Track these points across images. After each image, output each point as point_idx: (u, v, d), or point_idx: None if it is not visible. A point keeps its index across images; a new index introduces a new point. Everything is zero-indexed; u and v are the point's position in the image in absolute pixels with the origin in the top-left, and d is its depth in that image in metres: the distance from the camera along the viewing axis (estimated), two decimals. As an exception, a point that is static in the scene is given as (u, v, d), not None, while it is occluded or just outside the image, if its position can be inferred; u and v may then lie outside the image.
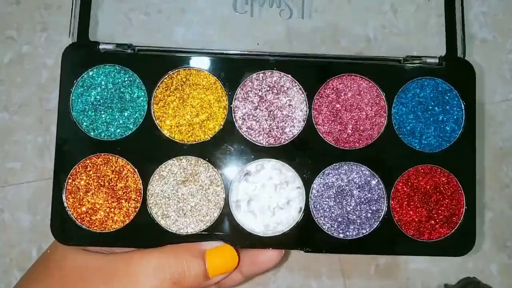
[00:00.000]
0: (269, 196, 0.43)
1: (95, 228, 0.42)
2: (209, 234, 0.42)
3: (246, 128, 0.43)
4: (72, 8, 0.44)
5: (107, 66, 0.43)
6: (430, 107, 0.44)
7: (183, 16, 0.61)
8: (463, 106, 0.43)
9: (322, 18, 0.59)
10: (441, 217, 0.43)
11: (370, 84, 0.44)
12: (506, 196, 0.63)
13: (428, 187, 0.43)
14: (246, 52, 0.44)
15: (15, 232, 0.60)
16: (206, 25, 0.60)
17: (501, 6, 0.64)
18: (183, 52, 0.44)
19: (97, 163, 0.42)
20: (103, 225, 0.42)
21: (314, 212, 0.43)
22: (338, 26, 0.60)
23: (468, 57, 0.44)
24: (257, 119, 0.43)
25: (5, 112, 0.62)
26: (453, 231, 0.43)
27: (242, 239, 0.42)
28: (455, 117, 0.43)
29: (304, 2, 0.47)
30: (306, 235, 0.43)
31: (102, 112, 0.43)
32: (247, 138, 0.43)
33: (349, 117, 0.44)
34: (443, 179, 0.43)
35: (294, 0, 0.47)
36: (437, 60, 0.44)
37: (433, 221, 0.43)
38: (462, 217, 0.43)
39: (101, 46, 0.43)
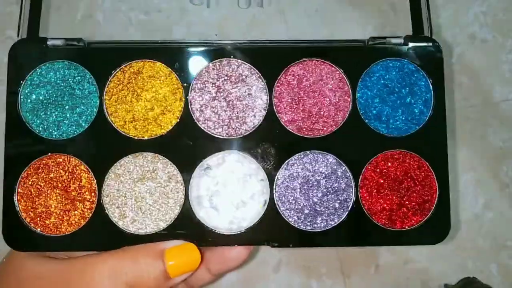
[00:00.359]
0: (231, 191, 0.41)
1: (50, 232, 0.40)
2: (170, 233, 0.40)
3: (204, 120, 0.41)
4: (21, 3, 0.42)
5: (56, 62, 0.41)
6: (397, 89, 0.42)
7: (183, 16, 0.61)
8: (431, 86, 0.41)
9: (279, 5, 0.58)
10: (413, 204, 0.41)
11: (333, 68, 0.42)
12: (506, 196, 0.63)
13: (398, 174, 0.41)
14: (201, 41, 0.42)
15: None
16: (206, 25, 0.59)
17: (501, 6, 0.64)
18: (135, 44, 0.42)
19: (48, 164, 0.40)
20: (58, 229, 0.40)
21: (280, 205, 0.41)
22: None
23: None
24: (215, 110, 0.41)
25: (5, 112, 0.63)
26: (426, 218, 0.41)
27: (205, 237, 0.40)
28: (424, 98, 0.42)
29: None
30: (272, 230, 0.41)
31: (53, 111, 0.41)
32: (206, 130, 0.41)
33: (312, 103, 0.42)
34: (414, 164, 0.41)
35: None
36: (402, 40, 0.42)
37: (405, 209, 0.41)
38: (435, 203, 0.41)
39: (49, 42, 0.42)
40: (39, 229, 0.40)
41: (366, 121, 0.41)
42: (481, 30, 0.63)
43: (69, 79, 0.41)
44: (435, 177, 0.41)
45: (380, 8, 0.61)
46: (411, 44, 0.42)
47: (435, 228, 0.41)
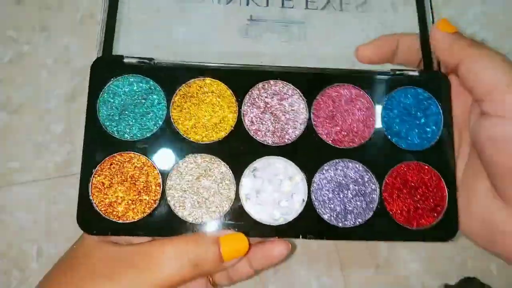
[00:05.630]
0: (274, 190, 0.48)
1: (118, 219, 0.46)
2: (222, 224, 0.47)
3: (254, 130, 0.49)
4: (100, 23, 0.49)
5: (130, 76, 0.49)
6: (413, 112, 0.50)
7: (183, 16, 0.61)
8: (441, 111, 0.50)
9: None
10: (427, 207, 0.48)
11: (361, 92, 0.50)
12: None
13: (414, 181, 0.49)
14: (254, 65, 0.50)
15: (15, 232, 0.61)
16: (206, 25, 0.61)
17: (501, 6, 0.65)
18: (198, 64, 0.50)
19: (120, 161, 0.47)
20: (126, 216, 0.46)
21: (315, 204, 0.48)
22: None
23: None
24: (264, 122, 0.49)
25: (5, 112, 0.63)
26: (437, 220, 0.48)
27: (251, 228, 0.47)
28: (435, 120, 0.50)
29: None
30: (309, 224, 0.48)
31: (126, 117, 0.48)
32: (255, 138, 0.48)
33: (344, 120, 0.50)
34: (427, 174, 0.49)
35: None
36: (417, 73, 0.51)
37: (420, 211, 0.48)
38: (445, 207, 0.48)
39: (125, 60, 0.49)
40: (109, 216, 0.46)
41: (389, 137, 0.49)
42: (481, 30, 0.64)
43: (141, 91, 0.49)
44: (444, 184, 0.49)
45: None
46: (424, 76, 0.51)
47: (446, 227, 0.48)
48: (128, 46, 0.50)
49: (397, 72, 0.51)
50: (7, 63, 0.65)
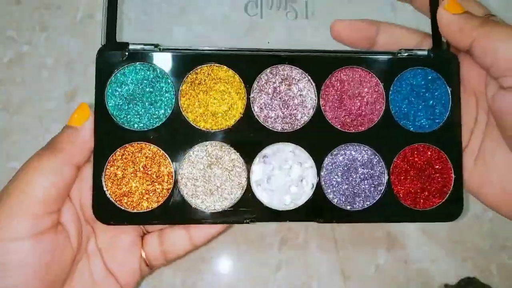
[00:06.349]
0: (284, 175, 0.49)
1: (132, 208, 0.47)
2: (234, 210, 0.48)
3: (263, 116, 0.49)
4: (102, 13, 0.48)
5: (137, 64, 0.48)
6: (421, 93, 0.50)
7: (183, 16, 0.63)
8: (449, 91, 0.50)
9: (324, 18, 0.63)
10: (434, 188, 0.50)
11: (370, 74, 0.50)
12: None
13: (421, 163, 0.50)
14: (261, 49, 0.49)
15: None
16: (206, 25, 0.64)
17: (501, 6, 0.66)
18: (205, 51, 0.49)
19: (132, 151, 0.48)
20: (139, 206, 0.47)
21: (325, 188, 0.49)
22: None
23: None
24: (273, 108, 0.49)
25: (5, 112, 0.63)
26: (443, 200, 0.49)
27: (263, 214, 0.48)
28: (443, 101, 0.50)
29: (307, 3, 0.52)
30: (318, 208, 0.49)
31: (135, 106, 0.48)
32: (264, 125, 0.49)
33: (352, 104, 0.50)
34: (434, 155, 0.50)
35: (298, 2, 0.52)
36: (426, 52, 0.50)
37: (427, 192, 0.49)
38: (451, 188, 0.49)
39: (130, 47, 0.48)
40: (123, 206, 0.47)
41: (397, 119, 0.50)
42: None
43: (148, 79, 0.48)
44: (451, 166, 0.50)
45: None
46: (433, 56, 0.50)
47: (451, 208, 0.50)
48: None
49: (406, 53, 0.50)
50: (7, 63, 0.65)
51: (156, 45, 0.49)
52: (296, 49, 0.50)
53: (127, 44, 0.48)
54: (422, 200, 0.49)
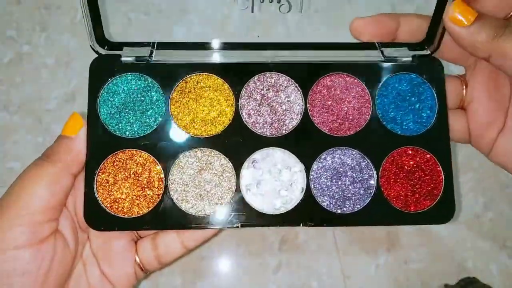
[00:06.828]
0: (274, 180, 0.49)
1: (123, 214, 0.48)
2: (224, 215, 0.48)
3: (252, 122, 0.50)
4: (83, 14, 0.45)
5: (128, 74, 0.50)
6: (408, 98, 0.51)
7: (183, 16, 0.63)
8: (435, 95, 0.51)
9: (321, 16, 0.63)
10: (424, 191, 0.49)
11: (356, 80, 0.51)
12: (506, 196, 0.65)
13: (411, 166, 0.50)
14: (250, 60, 0.51)
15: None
16: (206, 25, 0.62)
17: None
18: (193, 61, 0.51)
19: (123, 158, 0.48)
20: (130, 211, 0.48)
21: (314, 192, 0.49)
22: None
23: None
24: (261, 114, 0.50)
25: (5, 112, 0.64)
26: (434, 202, 0.49)
27: (253, 219, 0.48)
28: (429, 105, 0.51)
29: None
30: (308, 212, 0.49)
31: (126, 114, 0.49)
32: (253, 130, 0.50)
33: (339, 109, 0.51)
34: (423, 158, 0.50)
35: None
36: (410, 59, 0.51)
37: (417, 195, 0.49)
38: (441, 191, 0.49)
39: (122, 58, 0.50)
40: (114, 212, 0.48)
41: (384, 123, 0.50)
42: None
43: (139, 88, 0.50)
44: (441, 168, 0.50)
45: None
46: (417, 62, 0.51)
47: (442, 211, 0.49)
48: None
49: (390, 59, 0.51)
50: (7, 63, 0.65)
51: (149, 55, 0.50)
52: (283, 56, 0.51)
53: (119, 56, 0.50)
54: (413, 203, 0.49)
